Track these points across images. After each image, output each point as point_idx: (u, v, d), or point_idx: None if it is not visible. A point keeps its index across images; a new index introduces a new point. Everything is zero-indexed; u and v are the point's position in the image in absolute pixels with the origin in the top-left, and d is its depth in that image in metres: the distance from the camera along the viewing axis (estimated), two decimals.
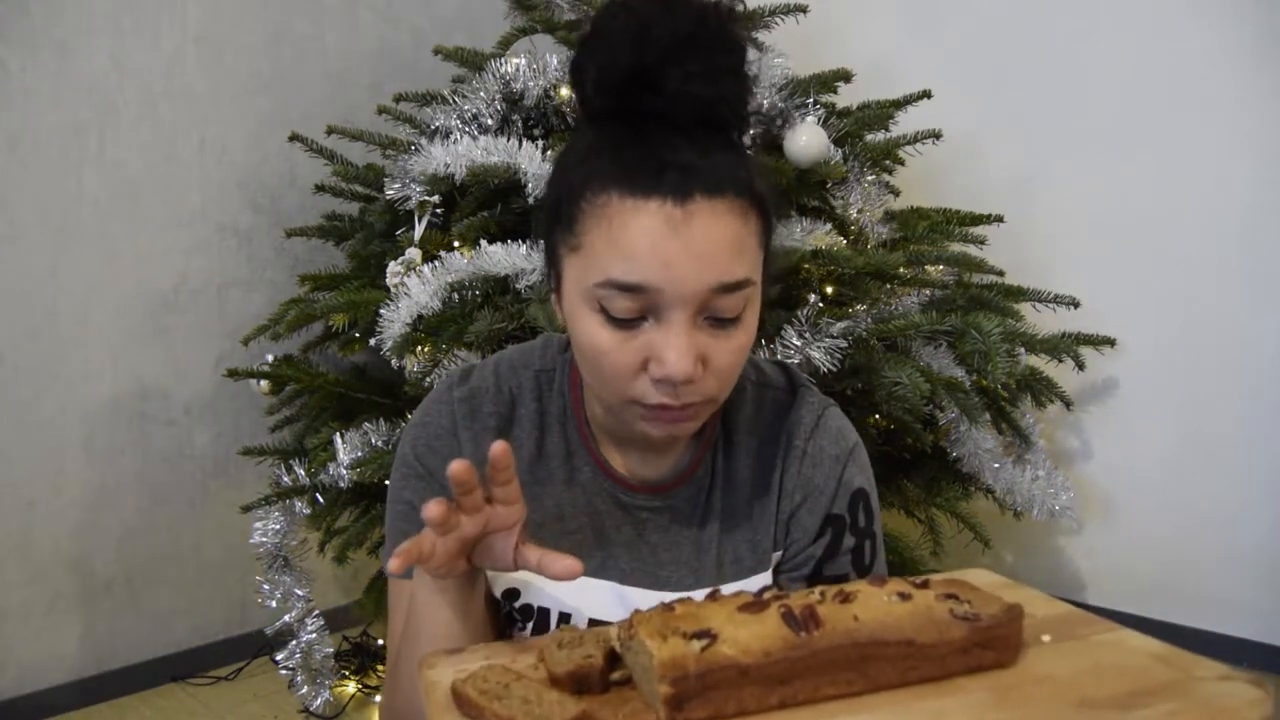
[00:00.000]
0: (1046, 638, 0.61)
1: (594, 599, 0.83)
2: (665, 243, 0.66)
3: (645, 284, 0.67)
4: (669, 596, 0.82)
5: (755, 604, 0.56)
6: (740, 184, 0.69)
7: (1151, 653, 0.60)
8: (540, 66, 1.80)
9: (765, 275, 0.75)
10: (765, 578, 0.84)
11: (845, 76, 1.88)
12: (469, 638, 0.74)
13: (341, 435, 1.67)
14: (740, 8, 0.72)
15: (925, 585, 0.59)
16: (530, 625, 0.84)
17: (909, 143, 1.88)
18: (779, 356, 1.52)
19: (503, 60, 1.81)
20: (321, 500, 1.73)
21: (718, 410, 0.85)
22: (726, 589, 0.83)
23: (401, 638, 0.78)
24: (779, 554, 0.85)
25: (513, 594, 0.84)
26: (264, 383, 1.86)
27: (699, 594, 0.82)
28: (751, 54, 1.79)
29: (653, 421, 0.74)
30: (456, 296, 1.60)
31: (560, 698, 0.55)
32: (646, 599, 0.83)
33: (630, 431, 0.78)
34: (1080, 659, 0.59)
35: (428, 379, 1.57)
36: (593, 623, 0.83)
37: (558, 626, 0.84)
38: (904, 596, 0.57)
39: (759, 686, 0.52)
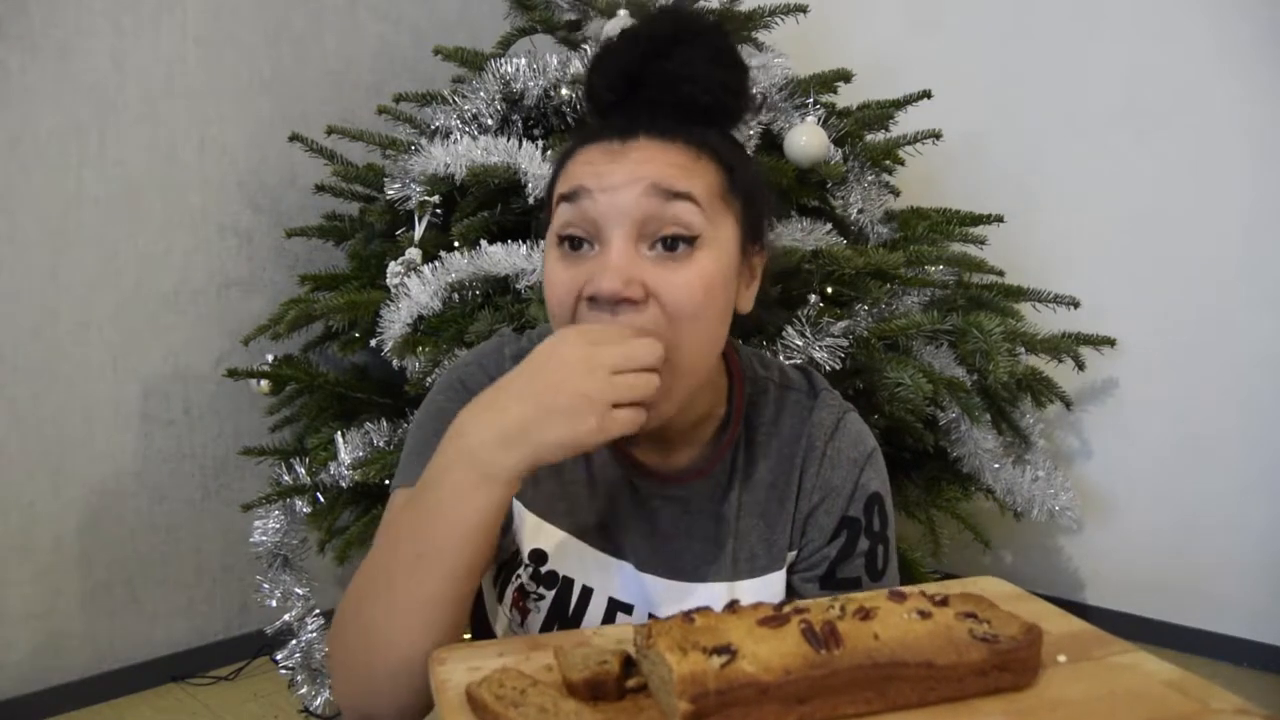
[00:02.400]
0: (1062, 658, 0.61)
1: (616, 579, 0.84)
2: (601, 163, 0.73)
3: (580, 186, 0.72)
4: (682, 586, 0.83)
5: (775, 618, 0.55)
6: (695, 137, 0.74)
7: (1167, 680, 0.59)
8: (540, 66, 1.79)
9: (744, 253, 0.77)
10: (779, 576, 0.85)
11: (845, 76, 1.87)
12: (486, 556, 0.69)
13: (343, 435, 1.67)
14: (729, 10, 0.79)
15: (944, 602, 0.59)
16: (553, 594, 0.83)
17: (909, 143, 1.88)
18: (780, 357, 1.52)
19: (503, 60, 1.81)
20: (322, 500, 1.73)
21: (740, 411, 0.85)
22: (741, 585, 0.83)
23: (405, 535, 0.69)
24: (794, 553, 0.86)
25: (539, 556, 0.84)
26: (264, 383, 1.86)
27: (717, 587, 0.83)
28: (746, 51, 1.80)
29: None
30: (456, 296, 1.61)
31: (577, 707, 0.55)
32: (660, 587, 0.84)
33: None
34: (1096, 684, 0.59)
35: (428, 379, 1.57)
36: (612, 602, 0.83)
37: (578, 601, 0.83)
38: (924, 615, 0.57)
39: (778, 704, 0.52)
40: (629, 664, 0.58)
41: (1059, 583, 2.43)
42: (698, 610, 0.57)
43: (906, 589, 0.62)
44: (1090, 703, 0.56)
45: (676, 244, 0.71)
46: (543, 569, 0.84)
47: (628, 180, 0.71)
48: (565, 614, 0.83)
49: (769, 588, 0.84)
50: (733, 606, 0.58)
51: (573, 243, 0.73)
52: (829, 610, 0.57)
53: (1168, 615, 2.27)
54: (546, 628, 0.83)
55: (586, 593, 0.83)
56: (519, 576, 0.84)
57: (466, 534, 0.66)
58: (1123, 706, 0.56)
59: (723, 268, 0.74)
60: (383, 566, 0.71)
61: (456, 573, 0.67)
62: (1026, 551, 2.49)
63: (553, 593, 0.83)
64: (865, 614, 0.56)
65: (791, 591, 0.86)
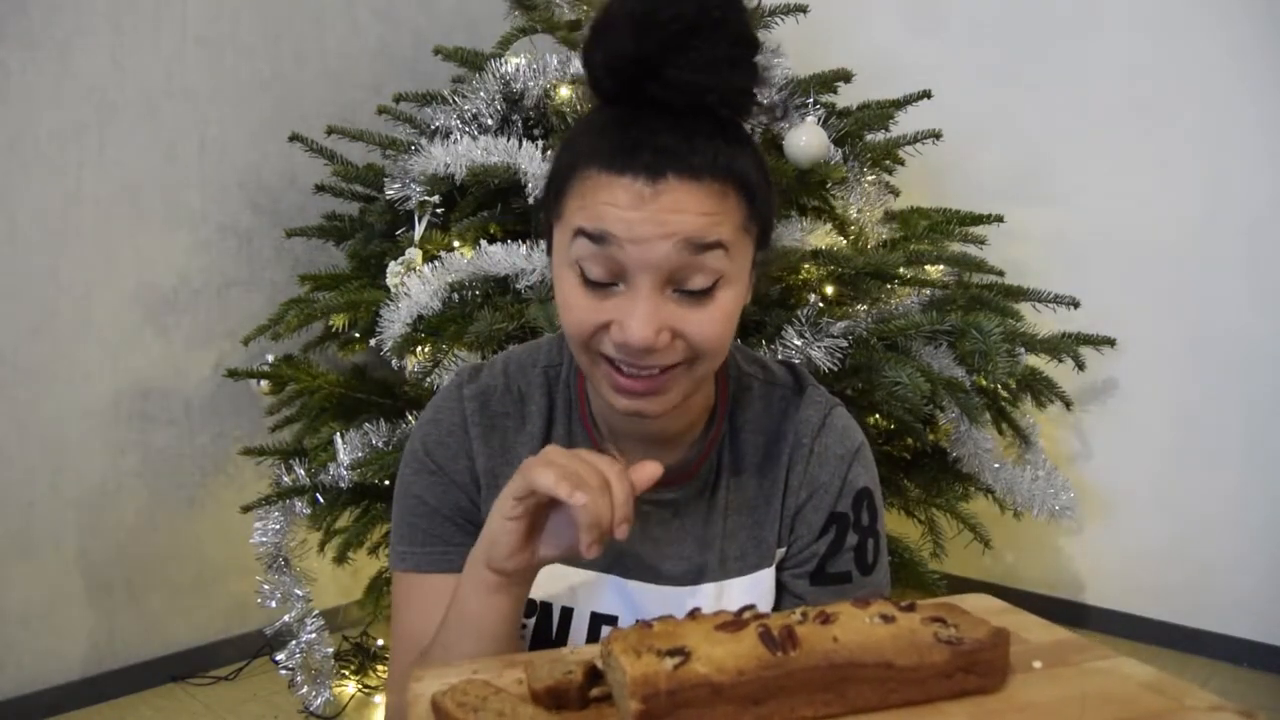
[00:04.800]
0: (1038, 664, 0.60)
1: (596, 594, 0.83)
2: (631, 212, 0.68)
3: (609, 233, 0.68)
4: (671, 591, 0.82)
5: (733, 623, 0.55)
6: (721, 169, 0.69)
7: (1143, 681, 0.58)
8: (540, 66, 1.79)
9: (753, 263, 0.75)
10: (769, 574, 0.85)
11: (845, 76, 1.87)
12: (510, 639, 0.73)
13: (342, 435, 1.67)
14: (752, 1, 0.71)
15: (911, 609, 0.58)
16: (533, 621, 0.84)
17: (909, 143, 1.88)
18: (779, 356, 1.52)
19: (503, 60, 1.81)
20: (321, 500, 1.73)
21: (724, 408, 0.85)
22: (731, 584, 0.83)
23: (439, 633, 0.76)
24: (783, 550, 0.86)
25: None
26: (264, 383, 1.86)
27: (707, 588, 0.82)
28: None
29: (621, 392, 0.73)
30: (456, 296, 1.61)
31: (535, 713, 0.55)
32: (649, 594, 0.83)
33: (611, 410, 0.77)
34: (1069, 686, 0.58)
35: (428, 379, 1.57)
36: (595, 616, 0.83)
37: (559, 622, 0.83)
38: (887, 619, 0.56)
39: (732, 705, 0.52)
40: (595, 675, 0.58)
41: (1059, 583, 2.43)
42: (658, 618, 0.57)
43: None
44: (1059, 704, 0.55)
45: (703, 290, 0.71)
46: None
47: (658, 234, 0.67)
48: (549, 637, 0.83)
49: (759, 585, 0.84)
50: (693, 614, 0.58)
51: (595, 283, 0.71)
52: (790, 616, 0.56)
53: (1168, 615, 2.27)
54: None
55: (567, 613, 0.83)
56: None
57: (479, 631, 0.72)
58: (1093, 707, 0.55)
59: (741, 293, 0.74)
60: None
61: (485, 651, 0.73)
62: (1026, 551, 2.49)
63: (532, 620, 0.84)
64: (826, 619, 0.56)
65: (782, 589, 0.86)
